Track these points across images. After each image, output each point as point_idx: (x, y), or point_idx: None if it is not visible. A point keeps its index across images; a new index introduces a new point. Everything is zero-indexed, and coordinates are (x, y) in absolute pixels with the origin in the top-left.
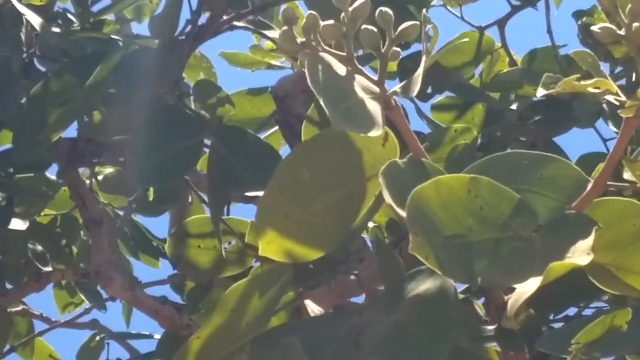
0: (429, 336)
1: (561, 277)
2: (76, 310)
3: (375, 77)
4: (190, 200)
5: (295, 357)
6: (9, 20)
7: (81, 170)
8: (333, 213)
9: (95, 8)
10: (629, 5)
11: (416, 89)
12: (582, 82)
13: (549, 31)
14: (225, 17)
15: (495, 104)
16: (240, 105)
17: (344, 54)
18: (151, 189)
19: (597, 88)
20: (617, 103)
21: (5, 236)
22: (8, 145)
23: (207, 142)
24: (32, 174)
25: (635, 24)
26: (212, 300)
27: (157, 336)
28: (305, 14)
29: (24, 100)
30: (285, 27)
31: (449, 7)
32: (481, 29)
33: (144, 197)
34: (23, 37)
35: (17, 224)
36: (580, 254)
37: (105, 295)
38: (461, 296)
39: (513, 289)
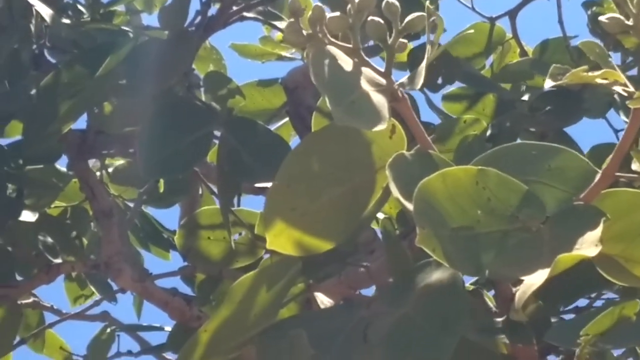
0: (436, 329)
1: (570, 268)
2: (87, 302)
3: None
4: (200, 192)
5: (302, 350)
6: (18, 12)
7: (92, 162)
8: (340, 206)
9: None
10: None
11: (421, 81)
12: (590, 74)
13: (560, 22)
14: (234, 8)
15: (506, 95)
16: (251, 96)
17: (350, 46)
18: (161, 181)
19: (605, 79)
20: (626, 94)
21: (15, 228)
22: (18, 137)
23: (217, 133)
24: (42, 166)
25: None
26: (223, 291)
27: (168, 328)
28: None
29: (33, 91)
30: (291, 20)
31: None
32: (492, 20)
33: (155, 189)
34: (33, 29)
35: (27, 216)
36: (588, 245)
37: (115, 287)
38: (470, 287)
39: (521, 281)
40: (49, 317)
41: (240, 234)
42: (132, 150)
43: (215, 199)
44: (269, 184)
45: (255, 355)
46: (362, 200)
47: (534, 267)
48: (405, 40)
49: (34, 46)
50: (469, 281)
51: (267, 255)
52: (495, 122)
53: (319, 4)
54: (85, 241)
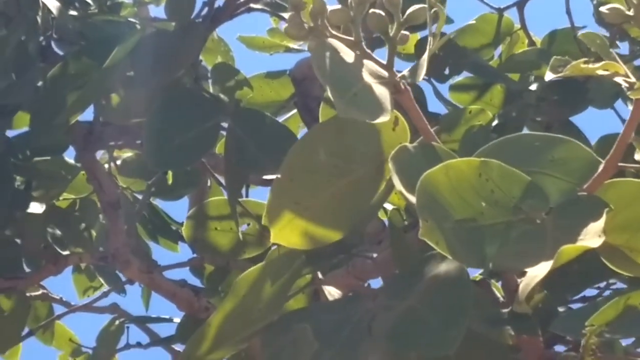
0: (441, 322)
1: (577, 258)
2: (95, 294)
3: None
4: (209, 183)
5: (307, 344)
6: (25, 4)
7: (100, 154)
8: (344, 199)
9: None
10: None
11: (423, 73)
12: (591, 65)
13: (568, 12)
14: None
15: (514, 85)
16: (259, 88)
17: (352, 38)
18: (170, 173)
19: (606, 70)
20: (627, 85)
21: (24, 220)
22: (25, 129)
23: (225, 125)
24: (50, 158)
25: None
26: (231, 283)
27: (177, 320)
28: None
29: (40, 83)
30: (292, 13)
31: None
32: (500, 11)
33: (163, 181)
34: (40, 20)
35: (36, 208)
36: (591, 236)
37: (123, 279)
38: (478, 278)
39: (526, 272)
40: (58, 309)
41: (248, 224)
42: (139, 142)
43: (223, 191)
44: (274, 177)
45: (261, 348)
46: (366, 192)
47: (538, 259)
48: (407, 33)
49: (41, 38)
50: (477, 271)
51: (275, 246)
52: (501, 113)
53: None
54: (94, 233)
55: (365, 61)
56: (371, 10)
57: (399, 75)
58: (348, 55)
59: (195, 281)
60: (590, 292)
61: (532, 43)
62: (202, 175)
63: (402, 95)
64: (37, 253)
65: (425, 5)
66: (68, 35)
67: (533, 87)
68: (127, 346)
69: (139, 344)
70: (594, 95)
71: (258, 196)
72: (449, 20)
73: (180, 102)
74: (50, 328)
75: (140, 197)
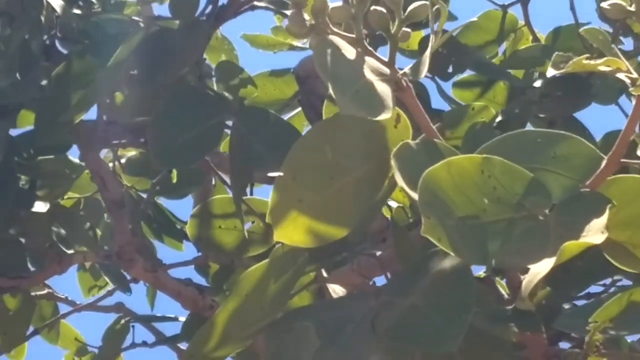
0: (444, 319)
1: (581, 254)
2: (100, 293)
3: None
4: (213, 182)
5: (309, 342)
6: (29, 2)
7: (104, 153)
8: (347, 196)
9: None
10: None
11: (425, 70)
12: (592, 62)
13: (572, 8)
14: None
15: (517, 82)
16: (263, 87)
17: (353, 35)
18: (174, 172)
19: (608, 66)
20: (629, 81)
21: (28, 219)
22: (29, 127)
23: (229, 123)
24: (54, 157)
25: None
26: (236, 281)
27: (183, 319)
28: None
29: (44, 82)
30: (294, 10)
31: None
32: (504, 7)
33: (168, 180)
34: (43, 19)
35: (40, 207)
36: (594, 232)
37: (128, 278)
38: (482, 275)
39: (529, 269)
40: (63, 309)
41: (252, 222)
42: (143, 140)
43: (227, 189)
44: (280, 173)
45: (264, 346)
46: (369, 190)
47: (540, 256)
48: (409, 30)
49: (45, 37)
50: (481, 269)
51: (279, 244)
52: (504, 110)
53: None
54: (98, 232)
55: (367, 58)
56: (372, 7)
57: (401, 72)
58: (350, 53)
59: (200, 280)
60: (595, 289)
61: (536, 40)
62: (207, 173)
63: (403, 92)
64: (41, 252)
65: (427, 2)
66: (72, 34)
67: (537, 84)
68: (133, 345)
69: (144, 343)
70: (598, 91)
71: (263, 194)
72: (452, 17)
73: (185, 100)
74: (55, 327)
75: (144, 196)
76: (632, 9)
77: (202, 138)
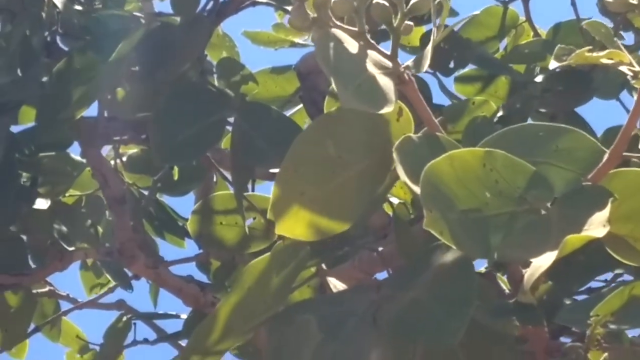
0: (445, 312)
1: (583, 249)
2: (102, 291)
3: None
4: (214, 179)
5: (311, 336)
6: None
7: (105, 151)
8: (349, 189)
9: None
10: None
11: (427, 63)
12: (595, 54)
13: (573, 4)
14: None
15: (519, 77)
16: (264, 84)
17: (355, 29)
18: (176, 169)
19: (611, 59)
20: (631, 74)
21: (29, 216)
22: (30, 124)
23: (231, 120)
24: (55, 153)
25: None
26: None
27: (184, 316)
28: None
29: (45, 79)
30: (296, 3)
31: None
32: (505, 3)
33: (169, 177)
34: (44, 15)
35: (41, 204)
36: (596, 226)
37: (130, 275)
38: (483, 270)
39: (531, 263)
40: (65, 307)
41: (253, 218)
42: (144, 137)
43: (229, 186)
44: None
45: (266, 339)
46: (371, 183)
47: (542, 249)
48: (411, 23)
49: (46, 33)
50: (482, 264)
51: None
52: (505, 104)
53: None
54: (100, 229)
55: (369, 52)
56: (375, 1)
57: (403, 65)
58: (352, 46)
59: (201, 277)
60: (595, 285)
61: (537, 35)
62: (208, 170)
63: (406, 86)
64: (42, 249)
65: None
66: (73, 30)
67: (538, 79)
68: (135, 342)
69: (146, 341)
70: (599, 85)
71: (264, 191)
72: (453, 13)
73: (186, 97)
74: (57, 325)
75: (146, 193)
76: (634, 1)
77: (203, 134)
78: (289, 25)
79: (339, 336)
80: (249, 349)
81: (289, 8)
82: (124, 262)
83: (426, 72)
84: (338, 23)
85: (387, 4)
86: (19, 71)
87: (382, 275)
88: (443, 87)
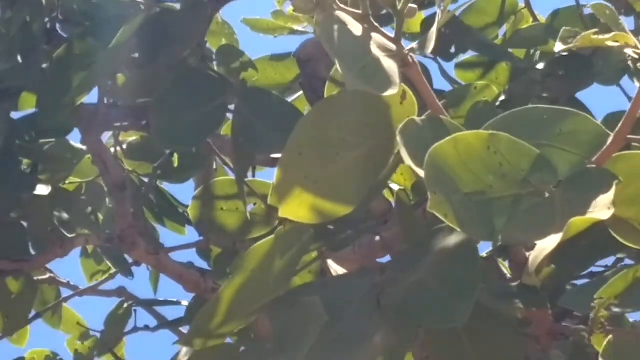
0: (451, 294)
1: (584, 233)
2: (103, 278)
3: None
4: (215, 166)
5: (316, 317)
6: None
7: (105, 138)
8: (353, 172)
9: None
10: None
11: (432, 45)
12: (600, 36)
13: None
14: None
15: (519, 63)
16: (264, 71)
17: (359, 11)
18: (176, 156)
19: (616, 42)
20: (636, 56)
21: (30, 203)
22: (30, 110)
23: (231, 107)
24: (55, 140)
25: None
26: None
27: (185, 303)
28: None
29: (45, 65)
30: None
31: None
32: None
33: (169, 164)
34: (44, 1)
35: (42, 190)
36: (601, 208)
37: (130, 261)
38: (485, 255)
39: (535, 246)
40: (66, 294)
41: (254, 204)
42: (145, 123)
43: (229, 173)
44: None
45: (269, 322)
46: (374, 166)
47: (547, 231)
48: (415, 6)
49: (46, 19)
50: (483, 249)
51: (281, 226)
52: (506, 89)
53: None
54: (100, 217)
55: (373, 34)
56: None
57: (407, 48)
58: (356, 29)
59: (202, 264)
60: (596, 271)
61: (536, 22)
62: (208, 157)
63: (410, 68)
64: (43, 235)
65: None
66: (73, 16)
67: (539, 65)
68: (135, 329)
69: (146, 327)
70: (600, 71)
71: (264, 178)
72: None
73: (187, 81)
74: (58, 312)
75: (146, 180)
76: None
77: (204, 119)
78: (292, 7)
79: (343, 319)
80: (249, 335)
81: None
82: (124, 248)
83: (427, 57)
84: (342, 5)
85: None
86: (19, 58)
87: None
88: (444, 72)
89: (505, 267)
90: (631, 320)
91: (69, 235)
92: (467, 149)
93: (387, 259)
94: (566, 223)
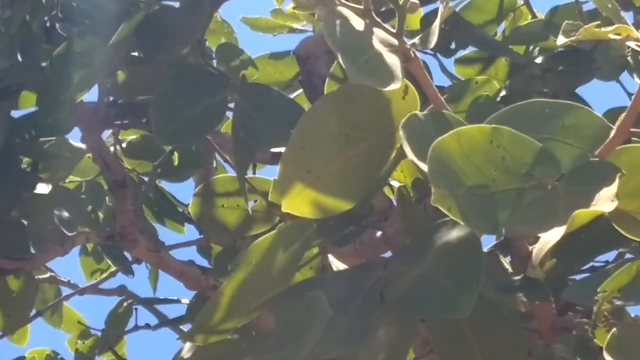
0: (455, 287)
1: (585, 227)
2: (104, 277)
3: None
4: (214, 165)
5: (321, 311)
6: None
7: (105, 136)
8: (355, 166)
9: None
10: None
11: (434, 40)
12: (603, 29)
13: None
14: None
15: (519, 59)
16: (263, 69)
17: (361, 7)
18: (176, 154)
19: (618, 34)
20: (638, 49)
21: (30, 201)
22: (30, 109)
23: (231, 105)
24: (55, 139)
25: None
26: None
27: (185, 301)
28: None
29: (45, 63)
30: None
31: None
32: None
33: (169, 163)
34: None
35: (42, 188)
36: (604, 201)
37: (130, 259)
38: (486, 250)
39: (538, 239)
40: (66, 293)
41: (254, 201)
42: (145, 120)
43: (228, 171)
44: (284, 149)
45: (273, 317)
46: (377, 161)
47: (550, 224)
48: (416, 1)
49: (45, 18)
50: (484, 246)
51: (281, 223)
52: (508, 84)
53: None
54: (100, 215)
55: (375, 29)
56: None
57: (409, 43)
58: (358, 24)
59: (202, 262)
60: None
61: (535, 19)
62: (208, 155)
63: (412, 63)
64: (44, 234)
65: None
66: (73, 13)
67: (538, 60)
68: (136, 328)
69: (147, 326)
70: (601, 64)
71: (265, 175)
72: None
73: (188, 78)
74: (58, 311)
75: (146, 179)
76: None
77: (205, 115)
78: (294, 3)
79: (348, 312)
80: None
81: None
82: (125, 245)
83: (427, 53)
84: (343, 1)
85: None
86: (19, 56)
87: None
88: (444, 68)
89: (506, 263)
90: (632, 315)
91: (69, 234)
92: (470, 143)
93: (387, 255)
94: (569, 216)
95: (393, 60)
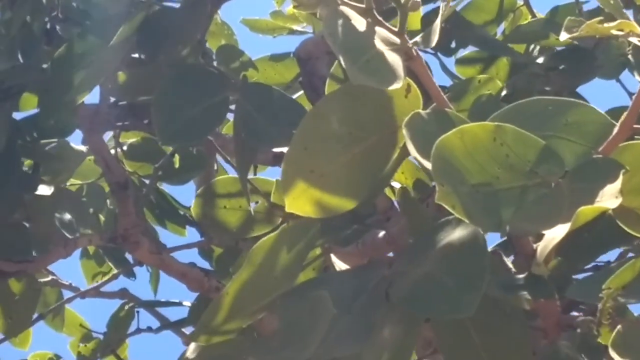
0: (459, 285)
1: (590, 225)
2: (105, 279)
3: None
4: (215, 167)
5: (325, 311)
6: None
7: (106, 139)
8: (358, 165)
9: None
10: None
11: (435, 38)
12: (605, 25)
13: None
14: None
15: (519, 58)
16: (263, 71)
17: (363, 6)
18: (177, 156)
19: (621, 30)
20: None
21: (32, 203)
22: (32, 110)
23: (232, 107)
24: (56, 142)
25: None
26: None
27: (187, 303)
28: None
29: (46, 65)
30: None
31: None
32: None
33: (170, 165)
34: (44, 1)
35: (44, 190)
36: (608, 197)
37: (132, 262)
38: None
39: (542, 237)
40: (68, 296)
41: (256, 202)
42: (146, 122)
43: (230, 173)
44: (286, 149)
45: (277, 318)
46: (380, 160)
47: (555, 221)
48: (419, 0)
49: (46, 19)
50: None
51: (284, 224)
52: (509, 83)
53: None
54: (102, 218)
55: (377, 28)
56: None
57: (411, 42)
58: (359, 23)
59: (204, 264)
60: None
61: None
62: (210, 156)
63: (414, 61)
64: (46, 236)
65: None
66: (73, 14)
67: (539, 59)
68: (138, 331)
69: (149, 329)
70: (602, 62)
71: (266, 177)
72: None
73: (189, 78)
74: (60, 314)
75: (147, 181)
76: None
77: (206, 114)
78: (295, 3)
79: (352, 311)
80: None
81: None
82: (128, 247)
83: (427, 52)
84: (345, 0)
85: None
86: (20, 57)
87: None
88: (444, 68)
89: (509, 263)
90: (635, 314)
91: (71, 236)
92: (473, 141)
93: (390, 255)
94: (574, 213)
95: (395, 59)
